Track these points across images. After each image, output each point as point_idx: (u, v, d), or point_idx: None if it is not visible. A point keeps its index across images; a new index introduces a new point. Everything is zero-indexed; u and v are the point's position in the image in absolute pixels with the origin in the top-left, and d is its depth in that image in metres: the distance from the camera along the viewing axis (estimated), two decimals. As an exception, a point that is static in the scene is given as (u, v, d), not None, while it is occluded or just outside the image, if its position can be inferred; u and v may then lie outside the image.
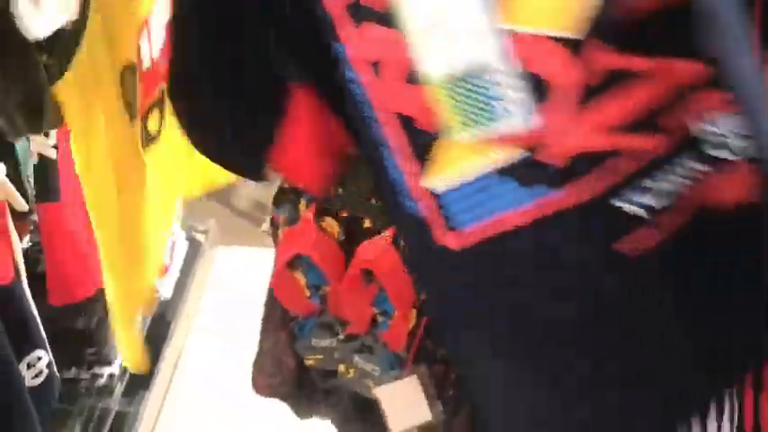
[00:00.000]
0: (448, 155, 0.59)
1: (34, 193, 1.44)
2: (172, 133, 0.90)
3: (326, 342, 0.97)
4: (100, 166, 0.79)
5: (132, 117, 0.79)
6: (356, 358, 0.96)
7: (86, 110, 0.76)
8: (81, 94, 0.76)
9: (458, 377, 0.93)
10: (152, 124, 0.85)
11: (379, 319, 0.92)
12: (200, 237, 2.44)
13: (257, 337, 1.17)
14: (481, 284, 0.64)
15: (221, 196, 2.86)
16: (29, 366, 1.31)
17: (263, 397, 1.07)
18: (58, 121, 0.79)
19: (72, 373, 1.80)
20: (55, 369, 1.35)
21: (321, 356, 0.99)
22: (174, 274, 2.17)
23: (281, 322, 1.03)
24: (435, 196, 0.61)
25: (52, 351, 1.37)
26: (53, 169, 1.42)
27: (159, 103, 0.85)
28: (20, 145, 1.43)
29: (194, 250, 2.35)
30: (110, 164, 0.80)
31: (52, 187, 1.43)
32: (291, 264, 0.92)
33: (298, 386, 1.06)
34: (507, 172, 0.58)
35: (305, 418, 1.08)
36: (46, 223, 1.46)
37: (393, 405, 0.93)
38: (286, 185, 0.91)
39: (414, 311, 0.92)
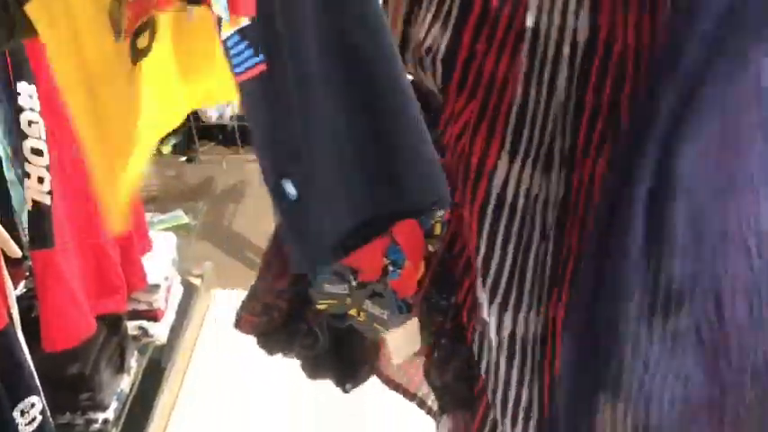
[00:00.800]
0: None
1: (28, 239, 1.45)
2: (163, 48, 1.01)
3: (338, 288, 1.06)
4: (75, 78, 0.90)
5: (118, 35, 0.90)
6: (367, 303, 1.05)
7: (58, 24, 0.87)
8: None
9: (452, 328, 1.04)
10: (141, 42, 0.95)
11: (390, 268, 1.01)
12: (195, 281, 2.45)
13: (253, 379, 1.20)
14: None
15: (216, 239, 2.89)
16: (22, 413, 1.31)
17: (244, 333, 1.15)
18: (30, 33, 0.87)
19: (66, 418, 1.80)
20: (48, 415, 1.35)
21: (334, 301, 1.07)
22: (170, 318, 2.18)
23: (281, 270, 1.10)
24: (224, 44, 0.78)
25: (46, 396, 1.37)
26: (47, 216, 1.43)
27: (149, 24, 0.95)
28: (15, 192, 1.45)
29: (190, 294, 2.36)
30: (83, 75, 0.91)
31: (46, 234, 1.44)
32: None
33: (282, 326, 1.15)
34: (243, 34, 0.76)
35: (273, 354, 1.20)
36: (39, 269, 1.46)
37: (396, 343, 1.05)
38: None
39: (423, 262, 1.02)
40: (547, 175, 0.88)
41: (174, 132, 2.59)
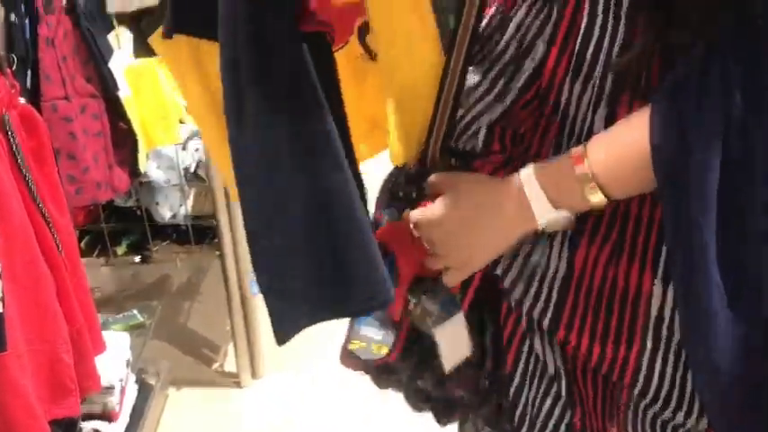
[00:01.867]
0: None
1: (-20, 345, 1.47)
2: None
3: None
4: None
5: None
6: (422, 297, 1.10)
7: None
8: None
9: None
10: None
11: None
12: (151, 380, 2.46)
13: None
14: None
15: (172, 338, 2.90)
16: None
17: None
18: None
19: None
20: None
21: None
22: (125, 419, 2.18)
23: None
24: None
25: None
26: (-1, 321, 1.45)
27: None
28: (-31, 299, 1.48)
29: (145, 394, 2.36)
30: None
31: (-2, 338, 1.46)
32: None
33: None
34: None
35: None
36: (-8, 374, 1.48)
37: (446, 343, 1.09)
38: (400, 194, 1.07)
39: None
40: None
41: (128, 233, 2.63)
